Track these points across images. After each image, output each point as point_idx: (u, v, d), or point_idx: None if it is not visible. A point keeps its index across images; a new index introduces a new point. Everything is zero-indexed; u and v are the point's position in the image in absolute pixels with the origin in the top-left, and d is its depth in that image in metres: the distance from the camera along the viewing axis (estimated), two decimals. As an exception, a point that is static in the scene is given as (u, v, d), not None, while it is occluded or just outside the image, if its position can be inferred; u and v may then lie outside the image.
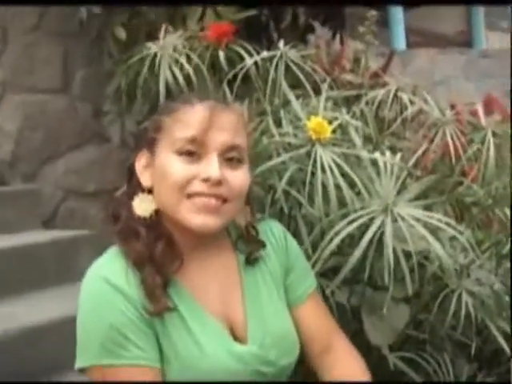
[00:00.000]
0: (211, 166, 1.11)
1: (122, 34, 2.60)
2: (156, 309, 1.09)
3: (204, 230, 1.12)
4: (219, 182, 1.11)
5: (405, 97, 1.87)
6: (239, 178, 1.15)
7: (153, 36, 2.01)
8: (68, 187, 3.20)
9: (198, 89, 1.77)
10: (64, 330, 1.71)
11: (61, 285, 2.43)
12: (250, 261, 1.24)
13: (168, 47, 1.83)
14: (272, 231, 1.31)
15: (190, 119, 1.13)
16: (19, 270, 2.39)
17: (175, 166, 1.12)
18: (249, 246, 1.25)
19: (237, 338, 1.18)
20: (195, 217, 1.11)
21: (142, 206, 1.16)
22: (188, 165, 1.12)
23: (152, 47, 1.87)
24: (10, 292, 2.28)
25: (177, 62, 1.79)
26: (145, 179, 1.18)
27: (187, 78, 1.77)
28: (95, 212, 3.19)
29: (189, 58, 1.81)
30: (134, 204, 1.16)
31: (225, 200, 1.13)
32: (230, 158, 1.15)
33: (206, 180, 1.11)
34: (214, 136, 1.13)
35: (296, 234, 1.43)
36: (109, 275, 1.10)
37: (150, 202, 1.16)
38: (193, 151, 1.12)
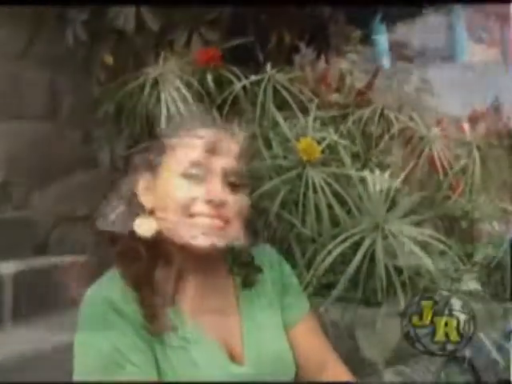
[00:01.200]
0: (215, 189, 1.14)
1: (109, 60, 2.62)
2: (155, 328, 1.10)
3: (206, 251, 1.14)
4: (222, 204, 1.14)
5: (391, 114, 1.90)
6: (240, 201, 1.18)
7: (141, 62, 2.03)
8: (59, 213, 3.20)
9: (200, 113, 1.79)
10: (59, 358, 1.71)
11: (54, 312, 2.42)
12: (246, 284, 1.26)
13: (167, 73, 1.86)
14: (266, 255, 1.33)
15: (195, 143, 1.17)
16: (12, 297, 2.38)
17: (179, 188, 1.15)
18: (244, 269, 1.27)
19: (234, 359, 1.18)
20: (198, 237, 1.13)
21: (144, 227, 1.17)
22: (192, 186, 1.15)
23: (151, 72, 1.90)
24: (2, 320, 2.28)
25: (176, 87, 1.81)
26: (146, 201, 1.20)
27: (185, 102, 1.80)
28: (87, 237, 3.18)
29: (188, 84, 1.83)
30: (136, 225, 1.18)
31: (227, 221, 1.15)
32: (231, 182, 1.18)
33: (209, 202, 1.13)
34: (218, 160, 1.16)
35: (289, 256, 1.44)
36: (107, 295, 1.11)
37: (152, 223, 1.18)
38: (197, 174, 1.15)
